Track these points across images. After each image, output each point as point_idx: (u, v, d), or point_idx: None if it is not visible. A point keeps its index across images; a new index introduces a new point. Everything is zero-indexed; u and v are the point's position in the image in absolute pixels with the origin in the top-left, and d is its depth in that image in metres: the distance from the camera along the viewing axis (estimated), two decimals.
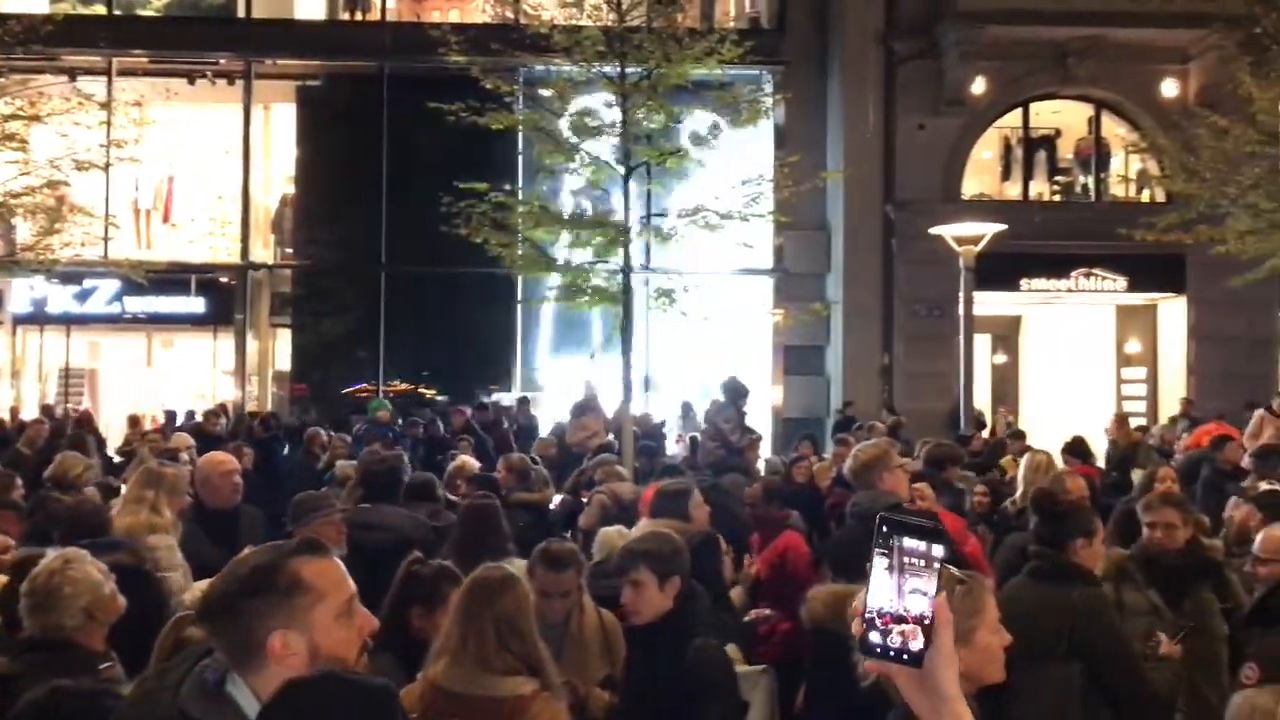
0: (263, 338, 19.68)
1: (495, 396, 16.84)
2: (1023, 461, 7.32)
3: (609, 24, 10.90)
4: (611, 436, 11.50)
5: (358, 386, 18.60)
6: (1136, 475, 8.79)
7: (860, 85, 17.88)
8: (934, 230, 14.82)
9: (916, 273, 17.35)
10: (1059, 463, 7.78)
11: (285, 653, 1.96)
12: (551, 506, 7.80)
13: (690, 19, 14.32)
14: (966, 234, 14.19)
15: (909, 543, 1.45)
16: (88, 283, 18.09)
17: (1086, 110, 18.53)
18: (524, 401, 15.87)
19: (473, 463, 8.38)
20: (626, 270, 11.02)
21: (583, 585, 4.26)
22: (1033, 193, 18.62)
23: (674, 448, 13.45)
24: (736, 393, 14.64)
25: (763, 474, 9.48)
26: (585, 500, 7.06)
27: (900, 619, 1.44)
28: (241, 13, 18.69)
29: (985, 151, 18.63)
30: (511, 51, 11.83)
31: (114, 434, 15.60)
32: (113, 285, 18.02)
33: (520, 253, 11.51)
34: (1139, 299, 18.94)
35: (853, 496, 5.03)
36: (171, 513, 5.43)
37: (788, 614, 5.36)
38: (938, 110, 17.67)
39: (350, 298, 19.00)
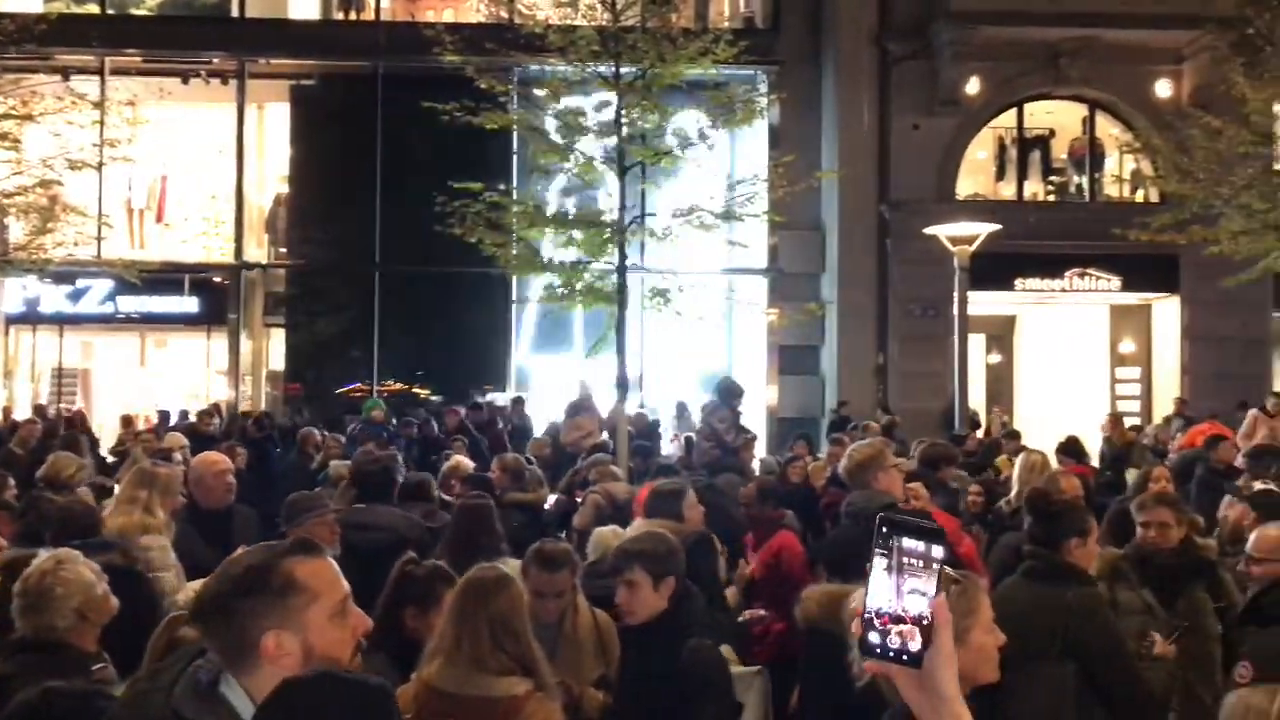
0: (256, 337, 19.64)
1: (489, 396, 16.78)
2: (1017, 461, 7.34)
3: (603, 24, 10.87)
4: (606, 436, 11.48)
5: (352, 386, 18.56)
6: (1131, 475, 8.80)
7: (855, 85, 17.90)
8: (928, 230, 14.85)
9: (911, 272, 17.36)
10: (1053, 462, 7.79)
11: (279, 653, 1.96)
12: (546, 506, 7.78)
13: (685, 19, 14.28)
14: (961, 234, 14.21)
15: (908, 543, 1.45)
16: (81, 282, 18.04)
17: (1081, 110, 18.56)
18: (518, 401, 15.84)
19: (467, 463, 8.38)
20: (621, 270, 11.00)
21: (577, 585, 4.26)
22: (1027, 193, 18.64)
23: (669, 447, 13.44)
24: (731, 393, 14.61)
25: (757, 474, 9.47)
26: (580, 500, 7.05)
27: (899, 619, 1.45)
28: (235, 12, 18.67)
29: (979, 151, 18.66)
30: (506, 51, 11.80)
31: (107, 434, 15.52)
32: (106, 285, 17.99)
33: (514, 253, 11.48)
34: (1133, 299, 18.98)
35: (847, 496, 5.04)
36: (165, 513, 5.41)
37: (782, 614, 5.36)
38: (932, 110, 17.69)
39: (344, 297, 18.95)
